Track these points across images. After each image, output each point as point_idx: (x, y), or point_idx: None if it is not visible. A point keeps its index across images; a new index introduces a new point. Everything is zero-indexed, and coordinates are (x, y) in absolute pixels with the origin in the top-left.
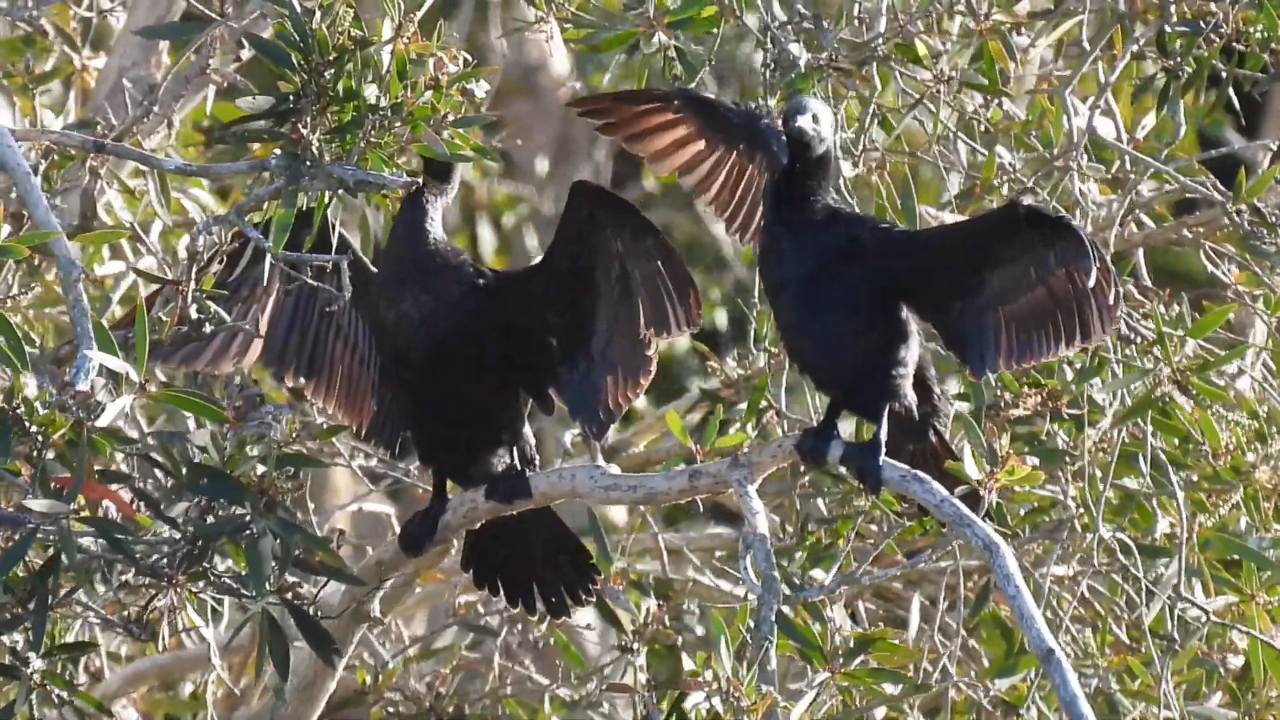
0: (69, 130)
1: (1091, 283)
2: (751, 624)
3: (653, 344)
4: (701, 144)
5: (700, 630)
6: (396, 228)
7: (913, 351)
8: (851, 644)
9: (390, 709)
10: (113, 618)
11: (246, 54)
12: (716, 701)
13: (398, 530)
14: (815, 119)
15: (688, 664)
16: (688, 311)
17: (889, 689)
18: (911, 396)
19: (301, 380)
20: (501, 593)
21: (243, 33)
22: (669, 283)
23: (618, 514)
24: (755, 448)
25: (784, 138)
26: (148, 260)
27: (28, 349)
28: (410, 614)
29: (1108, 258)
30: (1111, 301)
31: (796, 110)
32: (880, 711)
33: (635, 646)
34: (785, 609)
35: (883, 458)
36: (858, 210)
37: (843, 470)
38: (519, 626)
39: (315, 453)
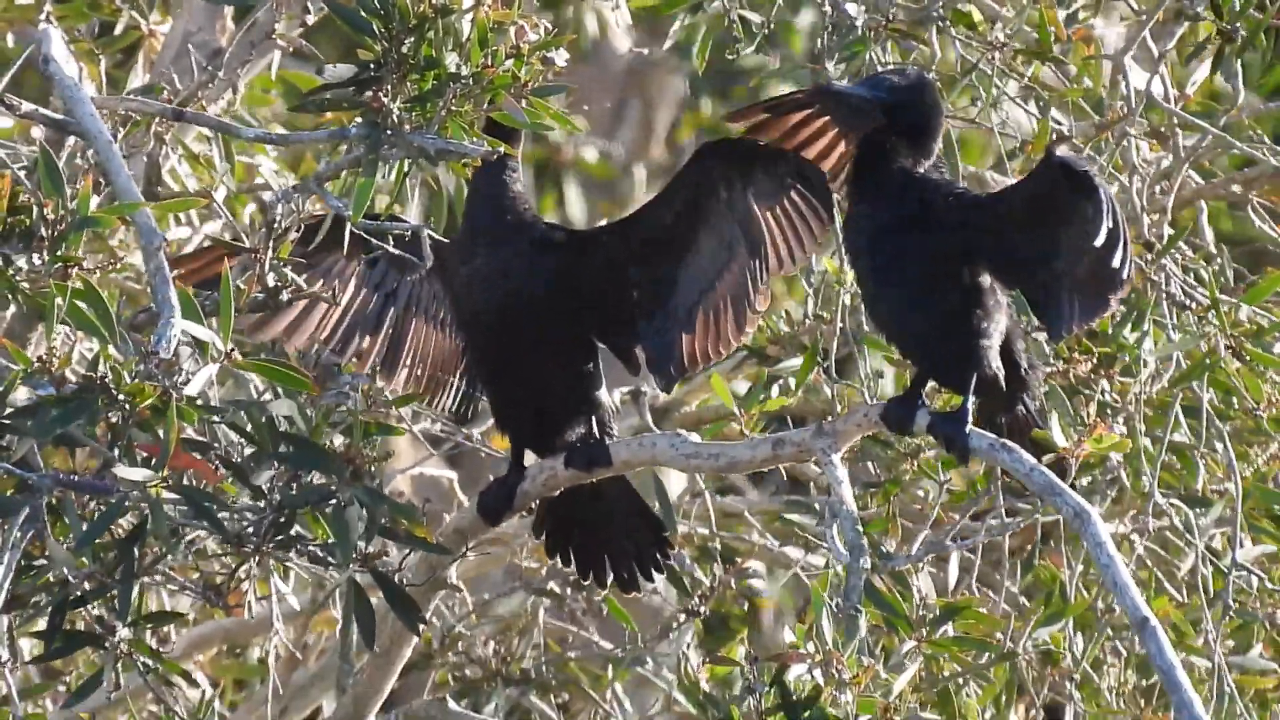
0: (146, 98)
1: (1100, 242)
2: (840, 593)
3: (762, 300)
4: (844, 147)
5: (766, 593)
6: (470, 190)
7: (996, 321)
8: (937, 612)
9: (456, 673)
10: (191, 585)
11: (313, 18)
12: (818, 674)
13: (461, 494)
14: (876, 83)
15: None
16: (824, 214)
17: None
18: (998, 366)
19: (379, 369)
20: (573, 563)
21: (323, 1)
22: (801, 200)
23: (675, 479)
24: (840, 416)
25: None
26: (213, 226)
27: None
28: (474, 575)
29: (1122, 218)
30: (1117, 264)
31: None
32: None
33: (703, 610)
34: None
35: (970, 426)
36: (946, 176)
37: (930, 438)
38: (583, 591)
39: (383, 417)
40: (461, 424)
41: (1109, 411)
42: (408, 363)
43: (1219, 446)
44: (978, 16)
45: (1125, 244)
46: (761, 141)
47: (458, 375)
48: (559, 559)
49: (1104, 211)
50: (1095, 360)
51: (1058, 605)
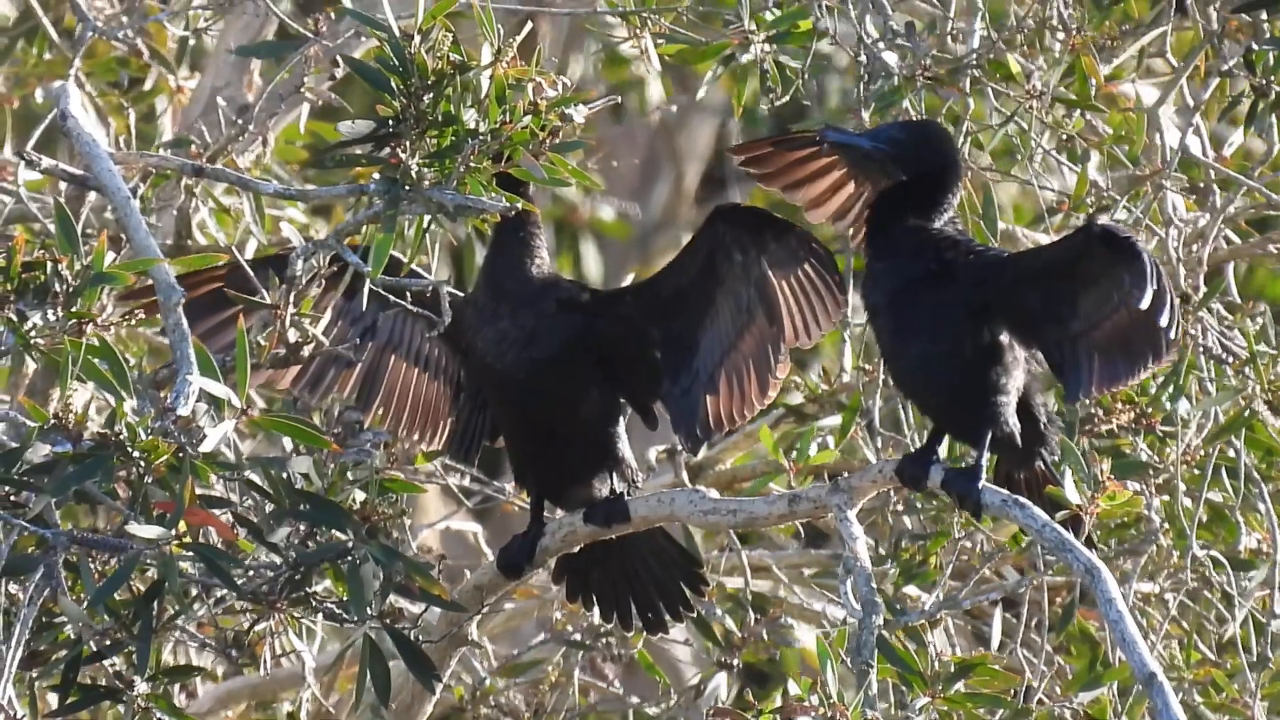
0: (167, 153)
1: (1145, 304)
2: (853, 648)
3: (782, 367)
4: (852, 185)
5: (799, 644)
6: (493, 247)
7: (1014, 378)
8: (952, 668)
9: None
10: (210, 641)
11: (340, 72)
12: None
13: (485, 549)
14: (877, 134)
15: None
16: (837, 296)
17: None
18: (1014, 423)
19: (360, 403)
20: (596, 607)
21: (340, 55)
22: (815, 277)
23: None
24: (855, 473)
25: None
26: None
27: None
28: (501, 630)
29: (1167, 281)
30: (1165, 324)
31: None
32: None
33: (735, 663)
34: (885, 633)
35: (983, 482)
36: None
37: (943, 495)
38: (611, 642)
39: (409, 474)
40: (479, 470)
41: (1150, 471)
42: (383, 400)
43: (1261, 508)
44: (1015, 68)
45: (1172, 306)
46: (760, 172)
47: (450, 421)
48: (581, 603)
49: (1148, 275)
50: (1137, 411)
51: (1101, 669)
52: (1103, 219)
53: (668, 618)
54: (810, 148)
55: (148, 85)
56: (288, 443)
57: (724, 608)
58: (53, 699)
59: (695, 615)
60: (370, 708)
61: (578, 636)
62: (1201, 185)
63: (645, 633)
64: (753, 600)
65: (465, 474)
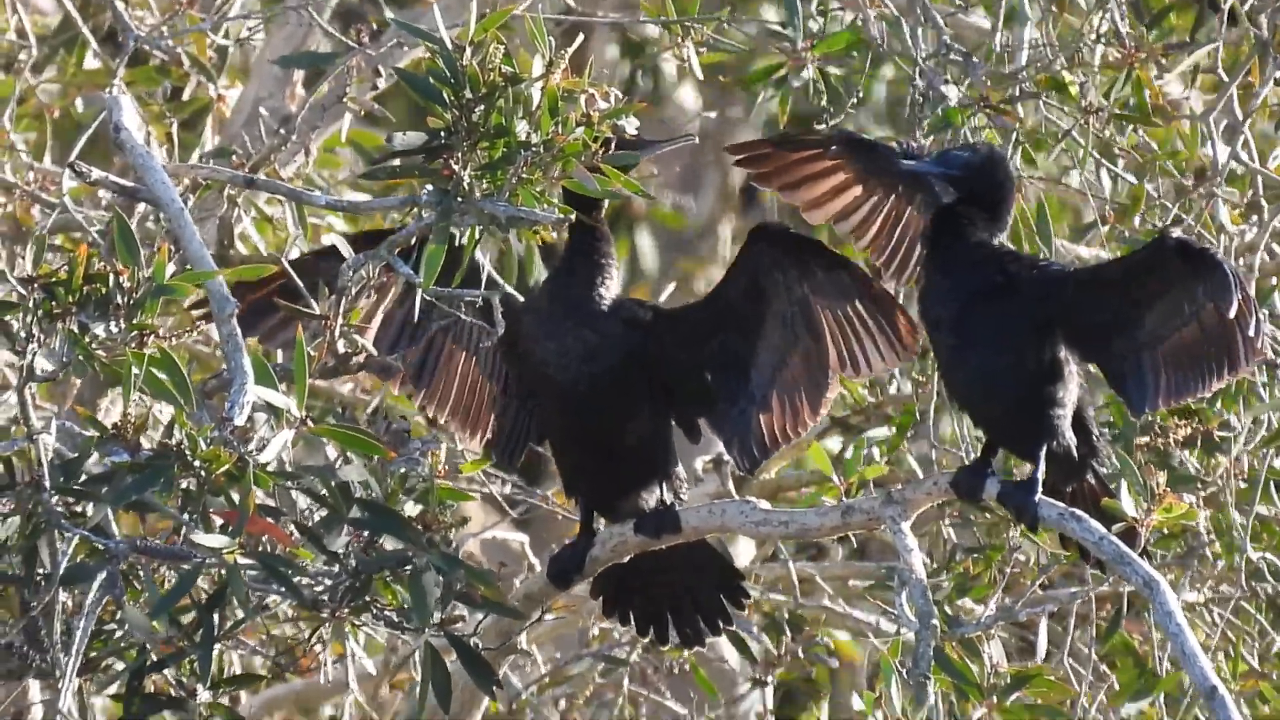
0: (210, 163)
1: (1233, 313)
2: (910, 661)
3: (832, 385)
4: (859, 189)
5: (834, 663)
6: (566, 261)
7: (1071, 391)
8: (1008, 680)
9: None
10: (259, 649)
11: (383, 82)
12: None
13: (530, 557)
14: (948, 161)
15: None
16: (894, 342)
17: None
18: (1070, 437)
19: (411, 387)
20: (632, 622)
21: (393, 67)
22: (867, 319)
23: (744, 544)
24: (909, 485)
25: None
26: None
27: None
28: (541, 641)
29: (1250, 288)
30: (1253, 333)
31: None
32: None
33: (770, 680)
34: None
35: (1039, 495)
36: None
37: (999, 508)
38: (654, 654)
39: (455, 481)
40: (530, 483)
41: (1199, 485)
42: (441, 385)
43: None
44: (1071, 86)
45: (1257, 313)
46: (757, 172)
47: (493, 422)
48: (618, 619)
49: (1231, 285)
50: (1193, 426)
51: (1149, 680)
52: (1175, 232)
53: (706, 632)
54: (812, 149)
55: (187, 95)
56: (329, 452)
57: (760, 625)
58: (98, 704)
59: (734, 626)
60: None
61: (618, 652)
62: (1250, 198)
63: (684, 646)
64: (789, 618)
65: (507, 482)
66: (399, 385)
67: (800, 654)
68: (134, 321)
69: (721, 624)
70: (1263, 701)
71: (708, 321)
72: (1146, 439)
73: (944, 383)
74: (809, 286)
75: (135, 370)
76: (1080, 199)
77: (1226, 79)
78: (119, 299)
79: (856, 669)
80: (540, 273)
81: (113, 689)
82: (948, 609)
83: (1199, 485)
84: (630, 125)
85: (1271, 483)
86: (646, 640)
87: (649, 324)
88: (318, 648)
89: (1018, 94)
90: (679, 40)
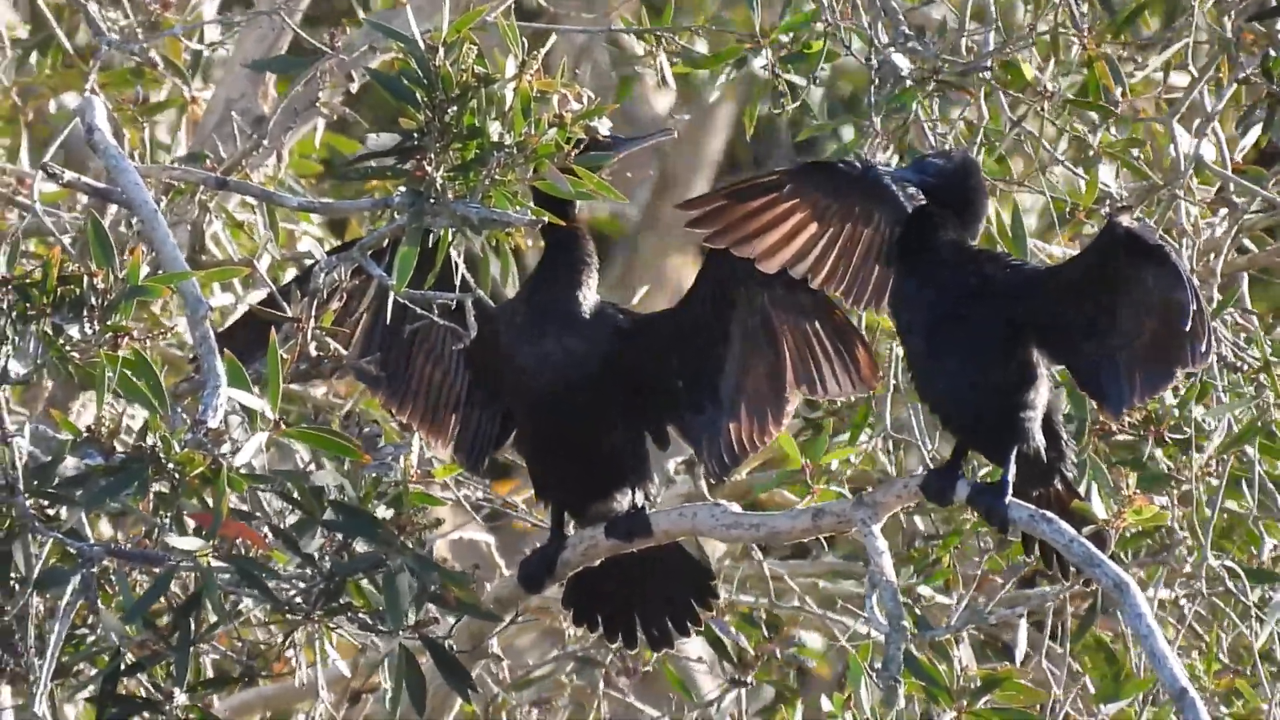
0: (189, 167)
1: (1188, 324)
2: (879, 664)
3: (792, 398)
4: (814, 226)
5: (812, 664)
6: (546, 265)
7: (1042, 394)
8: (978, 683)
9: None
10: (231, 652)
11: (355, 86)
12: None
13: (499, 560)
14: (924, 168)
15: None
16: (853, 372)
17: None
18: (1039, 439)
19: (380, 390)
20: (601, 628)
21: (365, 68)
22: (826, 342)
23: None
24: (879, 487)
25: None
26: (257, 294)
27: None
28: (506, 643)
29: (1198, 289)
30: (1204, 339)
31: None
32: None
33: (748, 680)
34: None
35: (1009, 498)
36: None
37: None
38: (626, 658)
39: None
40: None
41: (1173, 484)
42: (408, 389)
43: None
44: (1029, 72)
45: (1203, 310)
46: (714, 229)
47: (456, 426)
48: (586, 626)
49: (1184, 283)
50: (1145, 417)
51: (1124, 679)
52: (1125, 219)
53: (674, 634)
54: (764, 196)
55: (161, 96)
56: (298, 462)
57: (737, 625)
58: (70, 712)
59: (703, 630)
60: None
61: (594, 652)
62: (1217, 195)
63: (652, 649)
64: (767, 619)
65: (476, 486)
66: (374, 390)
67: (778, 654)
68: (108, 323)
69: (690, 625)
70: (1238, 698)
71: (679, 329)
72: (1099, 427)
73: (915, 386)
74: (768, 298)
75: (109, 373)
76: (1037, 198)
77: (1196, 75)
78: (93, 301)
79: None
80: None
81: (85, 693)
82: (914, 604)
83: (1173, 484)
84: (604, 126)
85: (1242, 481)
86: (615, 645)
87: (628, 331)
88: (289, 651)
89: (976, 71)
90: (652, 50)
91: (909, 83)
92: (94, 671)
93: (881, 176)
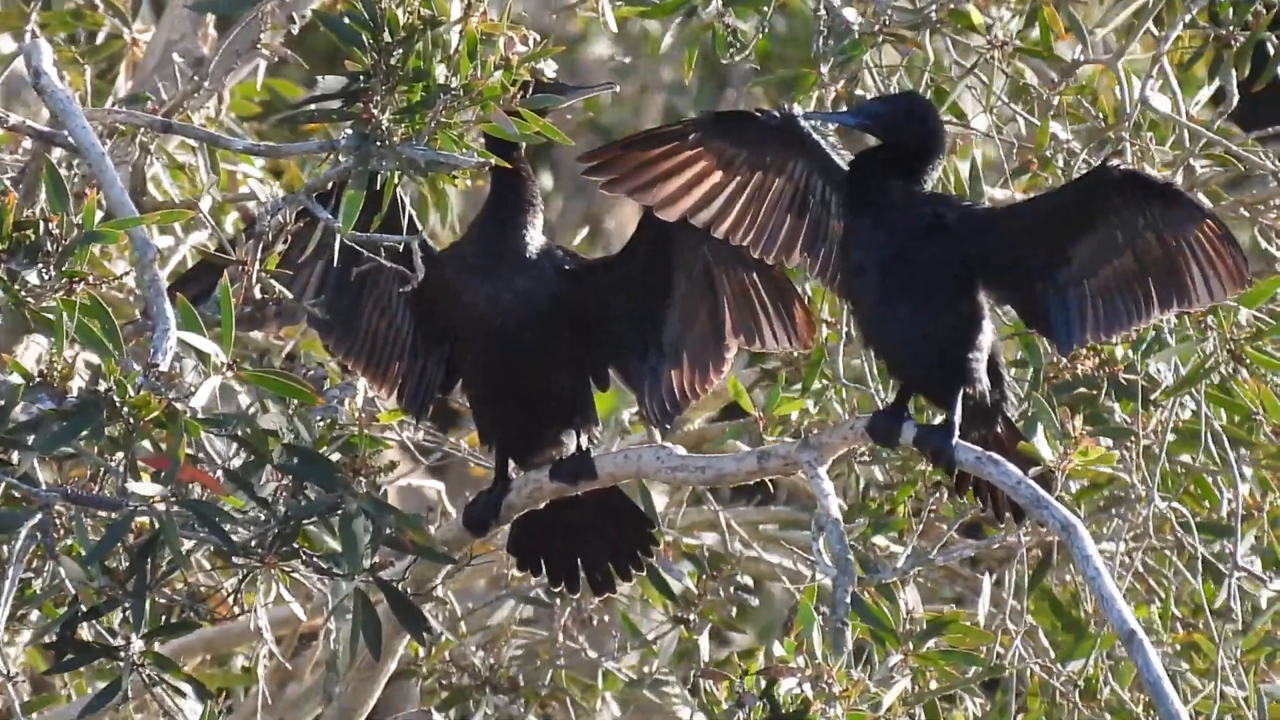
0: (131, 109)
1: (1215, 245)
2: (826, 608)
3: (731, 346)
4: (718, 174)
5: (755, 602)
6: (493, 206)
7: (988, 336)
8: (924, 626)
9: (443, 680)
10: (176, 596)
11: (296, 28)
12: (807, 687)
13: (447, 505)
14: (862, 110)
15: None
16: (790, 329)
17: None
18: (985, 382)
19: (325, 334)
20: (545, 572)
21: (312, 10)
22: (764, 295)
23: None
24: (825, 430)
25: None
26: (198, 236)
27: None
28: (461, 586)
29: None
30: (1232, 264)
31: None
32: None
33: (692, 619)
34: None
35: (956, 439)
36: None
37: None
38: (574, 599)
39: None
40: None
41: (1132, 441)
42: (352, 333)
43: (1248, 473)
44: (977, 18)
45: (1233, 242)
46: (610, 177)
47: (400, 371)
48: (530, 571)
49: (1203, 211)
50: (1100, 359)
51: (1087, 643)
52: (1116, 162)
53: (617, 578)
54: (663, 145)
55: (101, 39)
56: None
57: (683, 565)
58: (14, 655)
59: (645, 573)
60: (328, 664)
61: (538, 594)
62: (1173, 147)
63: (594, 593)
64: (710, 559)
65: (421, 429)
66: (323, 336)
67: (721, 593)
68: (64, 269)
69: (632, 569)
70: (1198, 653)
71: (623, 274)
72: (1051, 375)
73: (862, 331)
74: (709, 247)
75: (67, 318)
76: (990, 148)
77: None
78: (49, 246)
79: (775, 609)
80: (455, 217)
81: (27, 637)
82: (864, 549)
83: (1132, 439)
84: (549, 69)
85: (1208, 434)
86: (558, 590)
87: (574, 273)
88: (239, 595)
89: (925, 24)
90: None
91: (858, 34)
92: (37, 617)
93: (800, 125)
